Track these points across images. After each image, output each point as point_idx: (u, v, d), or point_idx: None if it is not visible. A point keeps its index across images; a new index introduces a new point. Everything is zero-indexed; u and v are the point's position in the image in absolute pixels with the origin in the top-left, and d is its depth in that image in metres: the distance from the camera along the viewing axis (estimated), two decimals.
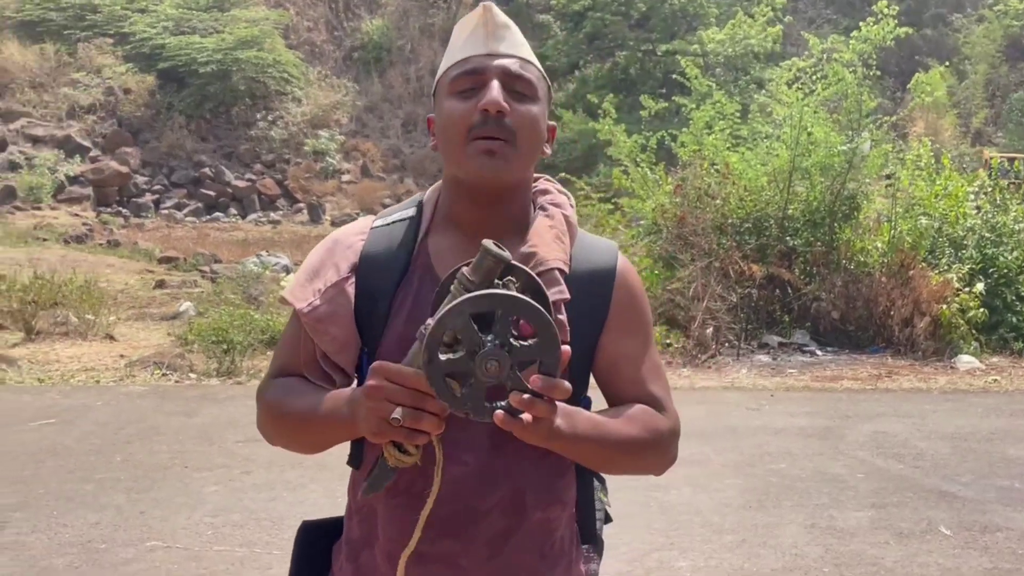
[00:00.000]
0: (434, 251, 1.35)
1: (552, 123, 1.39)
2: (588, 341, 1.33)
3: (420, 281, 1.32)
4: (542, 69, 1.35)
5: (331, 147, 28.18)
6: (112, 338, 8.86)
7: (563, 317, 1.27)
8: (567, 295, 1.28)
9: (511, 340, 1.06)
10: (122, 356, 7.74)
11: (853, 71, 9.41)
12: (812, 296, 9.12)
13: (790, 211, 9.38)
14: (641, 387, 1.39)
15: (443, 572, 1.28)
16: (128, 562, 3.44)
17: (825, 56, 10.21)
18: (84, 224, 24.31)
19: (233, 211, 26.59)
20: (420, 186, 28.78)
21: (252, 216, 26.60)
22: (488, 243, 1.11)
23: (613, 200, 11.08)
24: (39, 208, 25.10)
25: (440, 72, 1.35)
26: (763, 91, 15.70)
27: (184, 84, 28.33)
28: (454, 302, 1.07)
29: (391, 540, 1.28)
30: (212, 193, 26.61)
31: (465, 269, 1.13)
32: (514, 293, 1.07)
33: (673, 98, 12.18)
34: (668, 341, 8.67)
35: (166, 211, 26.47)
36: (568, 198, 1.45)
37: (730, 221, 9.44)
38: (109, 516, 3.85)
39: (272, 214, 26.67)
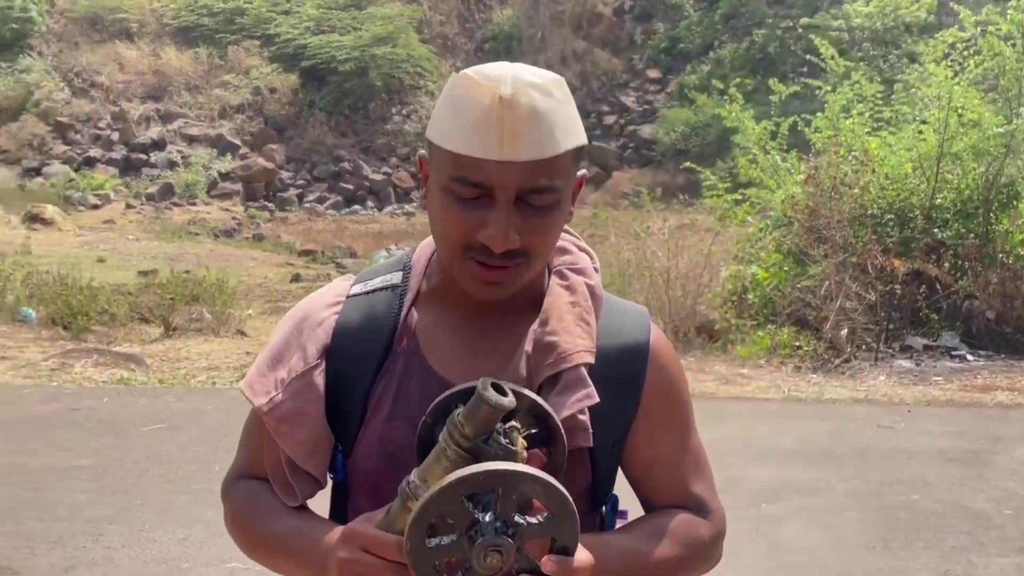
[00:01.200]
0: (422, 330, 1.11)
1: (582, 173, 1.10)
2: (616, 434, 1.11)
3: (404, 369, 1.09)
4: (578, 139, 1.04)
5: None
6: (243, 334, 9.17)
7: (585, 418, 1.04)
8: (595, 398, 1.04)
9: (516, 517, 0.87)
10: (248, 353, 7.96)
11: (1012, 44, 8.48)
12: (963, 294, 8.34)
13: (938, 200, 8.60)
14: (681, 490, 1.18)
15: None
16: None
17: (980, 30, 9.27)
18: (233, 218, 25.69)
19: (370, 204, 27.40)
20: None
21: (388, 208, 27.31)
22: (486, 386, 0.89)
23: (741, 191, 10.49)
24: (194, 204, 26.70)
25: (436, 134, 1.02)
26: (915, 66, 14.54)
27: (324, 82, 29.33)
28: (443, 483, 0.86)
29: None
30: (351, 187, 27.49)
31: (458, 413, 0.91)
32: (520, 468, 0.86)
33: (805, 81, 11.42)
34: (797, 344, 8.11)
35: (308, 205, 27.59)
36: (591, 258, 1.18)
37: (870, 212, 8.76)
38: (197, 532, 3.88)
39: (407, 206, 27.29)
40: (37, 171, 26.91)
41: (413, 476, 0.92)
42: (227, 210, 26.52)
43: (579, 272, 1.13)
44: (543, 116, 0.98)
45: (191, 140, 29.37)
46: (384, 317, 1.11)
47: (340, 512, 1.15)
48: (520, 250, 1.00)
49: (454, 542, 0.87)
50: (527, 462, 0.91)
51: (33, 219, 20.72)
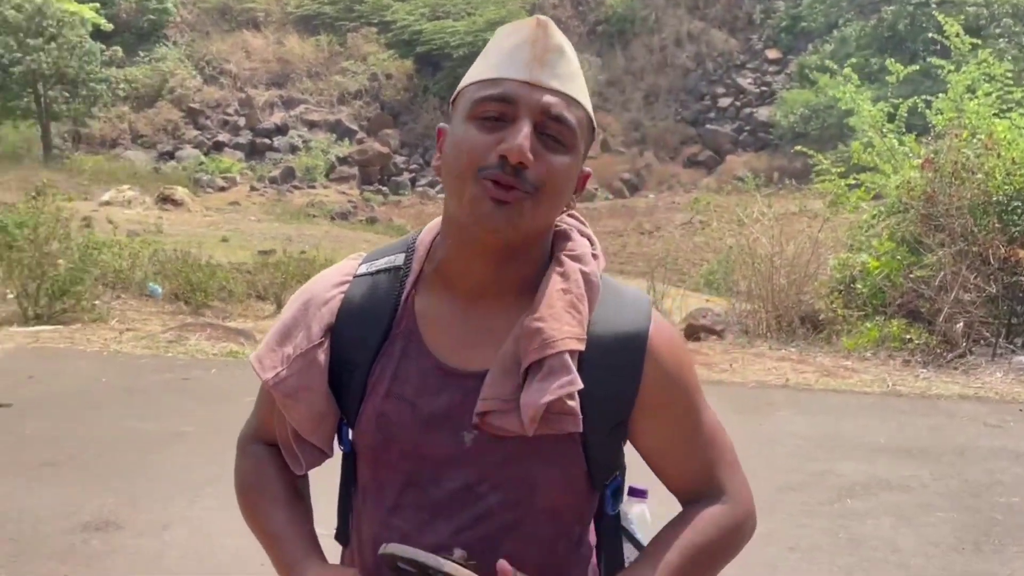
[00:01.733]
0: (421, 313, 1.14)
1: (586, 170, 1.14)
2: (613, 421, 1.12)
3: (403, 351, 1.12)
4: (590, 110, 1.10)
5: None
6: None
7: (574, 404, 1.05)
8: (578, 385, 1.05)
9: None
10: None
11: None
12: None
13: None
14: (696, 474, 1.18)
15: None
16: None
17: None
18: (349, 201, 26.57)
19: None
20: (660, 159, 28.24)
21: None
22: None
23: (854, 176, 10.05)
24: (313, 187, 27.74)
25: (465, 81, 1.10)
26: None
27: (439, 67, 29.81)
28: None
29: None
30: None
31: None
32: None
33: (929, 60, 10.82)
34: (908, 336, 7.74)
35: (420, 188, 28.17)
36: (591, 243, 1.18)
37: (994, 199, 8.23)
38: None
39: None
40: (171, 155, 28.55)
41: None
42: (344, 193, 27.43)
43: (576, 259, 1.13)
44: (569, 58, 1.08)
45: (311, 125, 30.47)
46: (385, 299, 1.14)
47: (348, 479, 1.22)
48: (530, 176, 1.02)
49: None
50: None
51: (165, 200, 22.01)
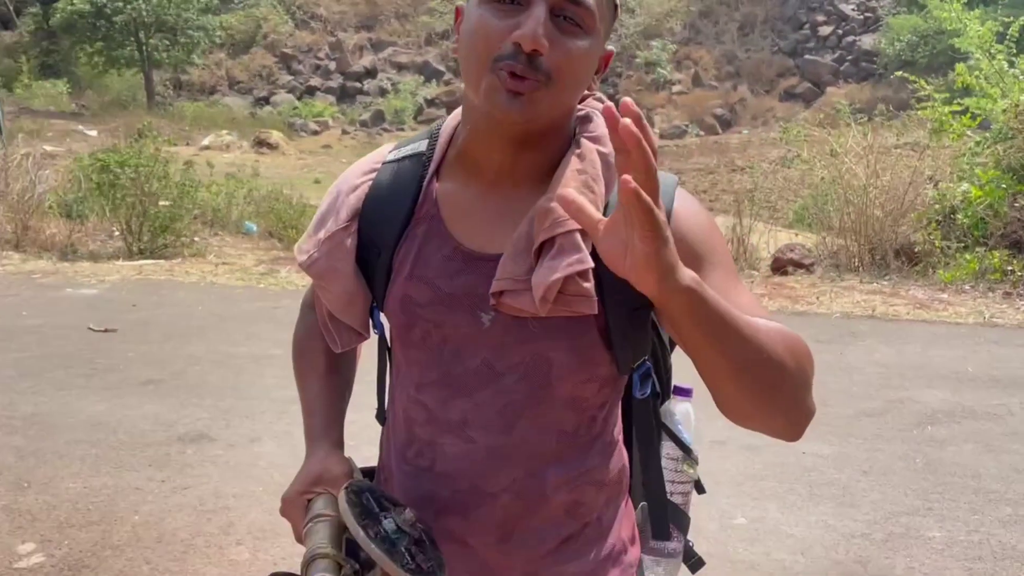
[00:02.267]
0: (443, 197, 1.15)
1: (609, 49, 1.10)
2: (635, 304, 1.07)
3: (425, 234, 1.14)
4: None
5: (663, 57, 27.64)
6: None
7: (589, 285, 1.03)
8: (588, 264, 1.02)
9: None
10: None
11: None
12: None
13: None
14: None
15: (450, 549, 1.15)
16: (367, 459, 3.76)
17: None
18: None
19: None
20: (755, 93, 27.26)
21: None
22: (342, 507, 1.05)
23: (959, 101, 9.50)
24: (402, 129, 28.00)
25: None
26: None
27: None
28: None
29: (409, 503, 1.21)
30: None
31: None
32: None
33: None
34: (1010, 268, 7.38)
35: None
36: None
37: None
38: (365, 416, 4.23)
39: None
40: (266, 100, 29.23)
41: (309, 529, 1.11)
42: None
43: (595, 140, 1.11)
44: None
45: (400, 67, 30.62)
46: (408, 183, 1.16)
47: (383, 361, 1.27)
48: (544, 64, 1.00)
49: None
50: None
51: (261, 144, 22.65)
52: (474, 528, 1.12)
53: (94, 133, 21.39)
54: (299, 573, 1.05)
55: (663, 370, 1.26)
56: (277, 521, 3.32)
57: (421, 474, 1.14)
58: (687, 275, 0.87)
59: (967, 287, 7.41)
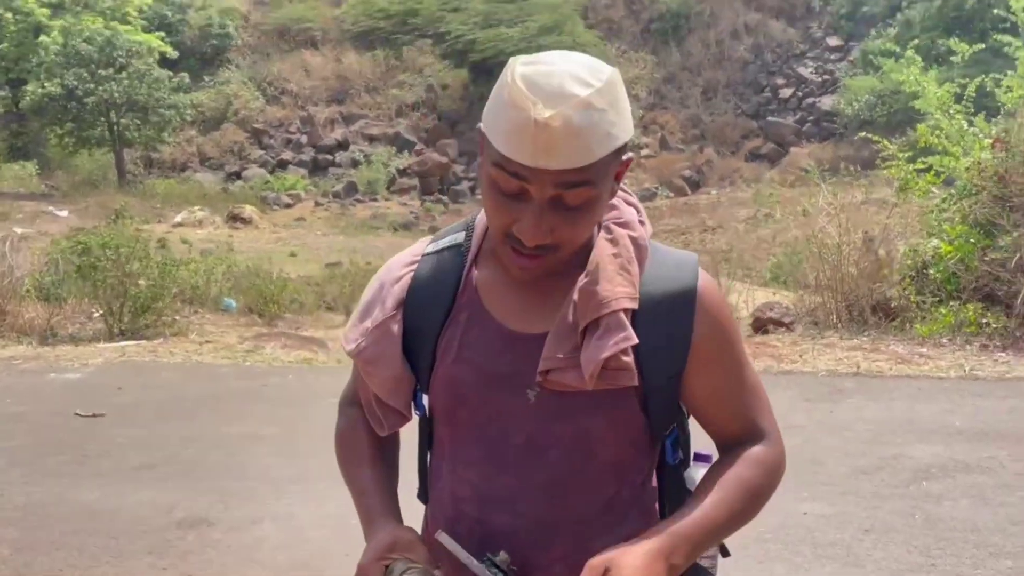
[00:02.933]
0: (482, 284, 1.24)
1: (628, 155, 1.16)
2: (670, 372, 1.19)
3: (469, 319, 1.23)
4: (620, 137, 1.08)
5: None
6: None
7: (629, 359, 1.14)
8: (633, 340, 1.13)
9: None
10: None
11: None
12: None
13: None
14: (740, 420, 1.26)
15: None
16: None
17: None
18: (411, 212, 26.94)
19: None
20: (721, 155, 27.92)
21: None
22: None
23: (922, 160, 9.82)
24: (375, 199, 28.23)
25: (487, 121, 1.10)
26: None
27: (493, 75, 29.64)
28: None
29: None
30: None
31: None
32: None
33: (994, 37, 10.53)
34: (985, 320, 7.56)
35: (480, 196, 28.34)
36: (637, 211, 1.27)
37: None
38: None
39: None
40: (238, 175, 29.39)
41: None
42: (405, 204, 27.83)
43: (623, 225, 1.21)
44: (578, 132, 1.03)
45: (371, 139, 31.00)
46: (450, 273, 1.25)
47: (425, 441, 1.32)
48: (551, 244, 1.11)
49: None
50: None
51: (235, 219, 22.70)
52: None
53: (65, 213, 21.32)
54: None
55: (684, 439, 1.34)
56: None
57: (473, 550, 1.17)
58: (679, 564, 1.12)
59: (945, 340, 7.56)
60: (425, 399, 1.28)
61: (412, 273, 1.27)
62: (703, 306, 1.19)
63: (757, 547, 3.57)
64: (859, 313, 8.59)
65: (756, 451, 1.23)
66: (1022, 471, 4.20)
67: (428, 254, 1.29)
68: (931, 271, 8.46)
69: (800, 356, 7.25)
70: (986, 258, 7.98)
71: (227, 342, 8.10)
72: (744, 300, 9.91)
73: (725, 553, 1.45)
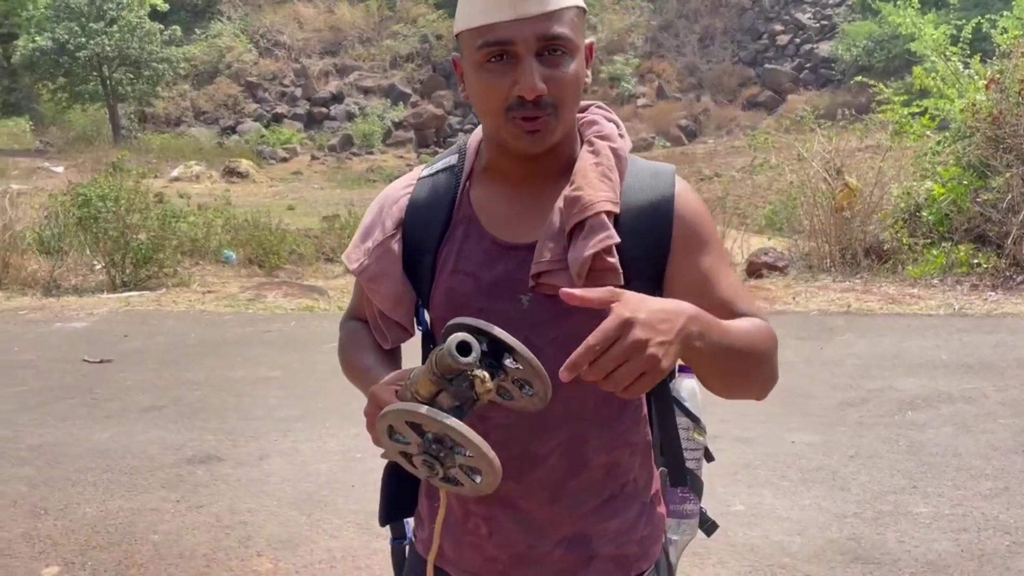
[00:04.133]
0: (476, 201, 1.32)
1: (589, 41, 1.26)
2: (652, 272, 1.27)
3: (464, 234, 1.31)
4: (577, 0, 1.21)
5: (626, 71, 28.04)
6: None
7: (614, 260, 1.22)
8: (615, 239, 1.21)
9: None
10: None
11: None
12: None
13: None
14: (726, 311, 1.29)
15: (504, 512, 1.30)
16: (374, 470, 3.88)
17: None
18: (407, 165, 26.82)
19: None
20: (718, 103, 27.75)
21: None
22: (451, 345, 1.05)
23: (918, 103, 9.84)
24: (371, 153, 28.11)
25: (461, 22, 1.22)
26: None
27: None
28: (388, 408, 1.06)
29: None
30: None
31: (436, 350, 1.08)
32: (440, 420, 1.02)
33: None
34: (976, 261, 7.67)
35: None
36: (617, 126, 1.35)
37: None
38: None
39: None
40: (233, 129, 29.20)
41: (415, 372, 1.13)
42: (401, 157, 27.72)
43: (604, 138, 1.30)
44: None
45: (366, 91, 30.75)
46: (445, 192, 1.33)
47: (429, 352, 1.42)
48: (548, 99, 1.17)
49: (407, 444, 1.08)
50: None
51: (231, 173, 22.63)
52: (527, 491, 1.26)
53: (60, 169, 21.26)
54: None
55: None
56: (295, 532, 3.44)
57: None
58: (694, 332, 1.07)
59: (936, 281, 7.68)
60: (427, 315, 1.38)
61: (409, 195, 1.35)
62: (680, 211, 1.26)
63: (746, 473, 3.72)
64: (852, 256, 8.70)
65: (751, 319, 1.26)
66: (1005, 400, 4.33)
67: (424, 177, 1.37)
68: (924, 213, 8.54)
69: (793, 298, 7.37)
70: (978, 199, 8.06)
71: (229, 292, 8.20)
72: (739, 246, 9.99)
73: (709, 457, 1.55)
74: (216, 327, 6.73)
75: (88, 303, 7.70)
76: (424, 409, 1.02)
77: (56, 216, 9.66)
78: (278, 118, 29.53)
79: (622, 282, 1.23)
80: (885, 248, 8.60)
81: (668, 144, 25.96)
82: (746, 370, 1.21)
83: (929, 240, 8.35)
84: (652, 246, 1.27)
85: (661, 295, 1.31)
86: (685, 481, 1.44)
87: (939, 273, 7.82)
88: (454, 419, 1.02)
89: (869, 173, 9.09)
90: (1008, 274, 7.45)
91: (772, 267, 8.99)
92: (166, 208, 9.42)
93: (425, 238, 1.32)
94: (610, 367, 0.99)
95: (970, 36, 9.39)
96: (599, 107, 1.38)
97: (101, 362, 5.79)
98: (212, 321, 6.93)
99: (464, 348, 1.07)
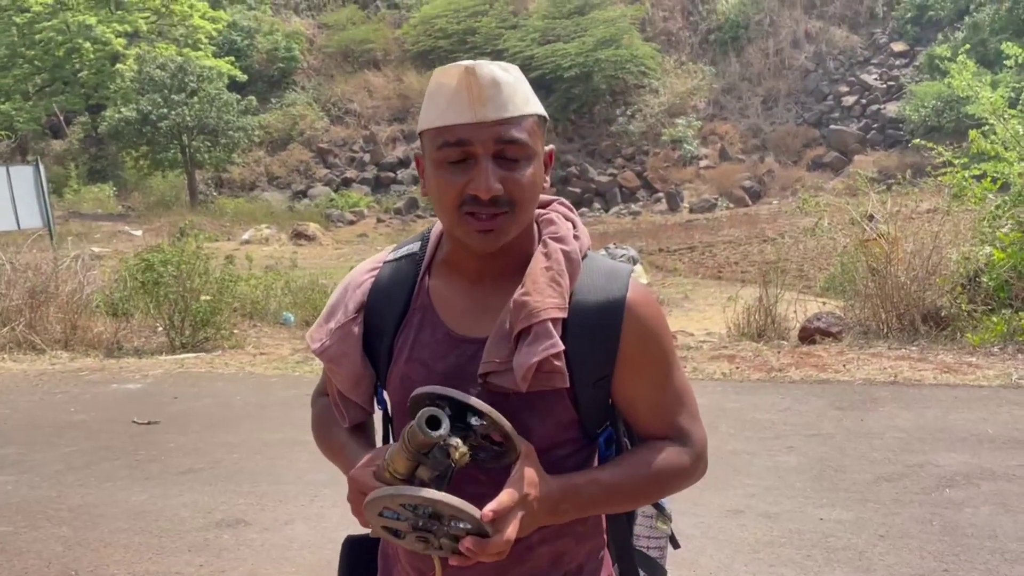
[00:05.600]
0: (434, 291, 1.37)
1: (549, 148, 1.32)
2: (599, 376, 1.31)
3: (420, 323, 1.36)
4: (538, 109, 1.27)
5: (688, 133, 28.13)
6: None
7: (560, 363, 1.25)
8: (559, 348, 1.25)
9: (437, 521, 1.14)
10: None
11: None
12: None
13: None
14: (663, 422, 1.36)
15: None
16: None
17: None
18: None
19: (597, 205, 27.76)
20: (782, 164, 27.52)
21: (614, 209, 27.51)
22: (421, 420, 1.14)
23: (977, 166, 9.61)
24: (435, 215, 28.65)
25: (424, 122, 1.28)
26: None
27: (551, 90, 30.18)
28: (371, 496, 1.17)
29: (410, 562, 1.38)
30: (578, 190, 27.97)
31: (408, 428, 1.17)
32: (421, 495, 1.12)
33: None
34: None
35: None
36: (574, 226, 1.39)
37: None
38: None
39: (632, 206, 27.37)
40: (304, 193, 30.19)
41: (389, 451, 1.20)
42: None
43: (558, 240, 1.34)
44: (503, 84, 1.22)
45: None
46: (405, 280, 1.40)
47: (386, 435, 1.47)
48: (504, 199, 1.23)
49: (398, 521, 1.16)
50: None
51: (299, 236, 23.32)
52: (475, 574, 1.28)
53: (139, 233, 22.23)
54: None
55: (618, 436, 1.45)
56: None
57: None
58: (545, 512, 1.21)
59: (996, 349, 7.39)
60: (386, 394, 1.43)
61: (373, 279, 1.42)
62: (631, 315, 1.29)
63: (769, 551, 3.61)
64: (910, 322, 8.45)
65: (668, 444, 1.33)
66: None
67: (388, 262, 1.44)
68: (983, 279, 8.28)
69: (844, 366, 7.17)
70: None
71: (280, 354, 8.40)
72: (794, 310, 9.80)
73: (675, 545, 1.55)
74: (262, 390, 6.89)
75: (146, 364, 7.98)
76: (415, 491, 1.12)
77: (125, 280, 10.08)
78: (347, 182, 30.42)
79: (567, 384, 1.27)
80: (943, 315, 8.33)
81: (731, 205, 25.80)
82: (633, 502, 1.35)
83: (989, 307, 8.08)
84: (599, 350, 1.30)
85: (605, 398, 1.34)
86: (637, 568, 1.45)
87: (999, 341, 7.53)
88: (444, 494, 1.11)
89: (927, 238, 8.88)
90: None
91: (825, 333, 8.78)
92: (225, 272, 9.74)
93: (384, 323, 1.38)
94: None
95: None
96: (561, 203, 1.43)
97: (149, 423, 5.98)
98: (259, 383, 7.11)
99: (433, 423, 1.14)
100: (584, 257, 1.36)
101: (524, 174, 1.24)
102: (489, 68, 1.22)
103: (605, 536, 1.43)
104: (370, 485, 1.22)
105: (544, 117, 1.31)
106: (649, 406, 1.34)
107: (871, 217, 8.56)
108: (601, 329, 1.29)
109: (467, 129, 1.21)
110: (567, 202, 1.47)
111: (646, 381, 1.32)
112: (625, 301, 1.30)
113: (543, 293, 1.27)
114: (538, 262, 1.31)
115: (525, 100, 1.25)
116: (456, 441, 1.16)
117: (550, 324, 1.25)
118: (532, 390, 1.26)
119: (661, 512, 1.52)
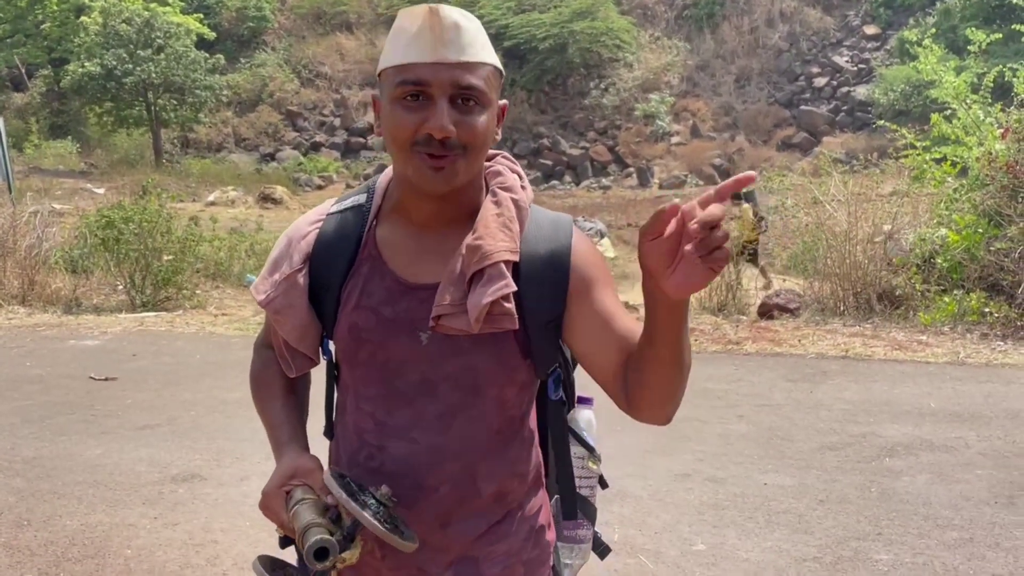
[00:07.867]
0: (382, 240, 1.39)
1: (502, 102, 1.35)
2: (549, 318, 1.34)
3: (369, 271, 1.38)
4: (495, 62, 1.30)
5: (661, 110, 28.17)
6: None
7: (511, 305, 1.28)
8: (512, 288, 1.28)
9: None
10: None
11: None
12: None
13: None
14: (622, 348, 1.33)
15: None
16: None
17: None
18: None
19: (568, 179, 27.76)
20: (753, 143, 27.73)
21: (585, 183, 27.51)
22: (309, 555, 1.18)
23: (937, 149, 9.80)
24: None
25: (383, 62, 1.30)
26: None
27: (525, 60, 29.99)
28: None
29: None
30: (549, 162, 27.91)
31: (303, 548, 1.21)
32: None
33: (1014, 26, 10.39)
34: (987, 310, 7.58)
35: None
36: (520, 177, 1.43)
37: None
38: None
39: (603, 180, 27.40)
40: (272, 156, 29.81)
41: (295, 510, 1.26)
42: None
43: (507, 189, 1.38)
44: (464, 29, 1.24)
45: None
46: (352, 230, 1.41)
47: (331, 383, 1.50)
48: (456, 141, 1.25)
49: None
50: None
51: (265, 199, 23.06)
52: (418, 517, 1.33)
53: (102, 191, 21.85)
54: (293, 549, 1.25)
55: (568, 384, 1.50)
56: (262, 551, 3.50)
57: (371, 475, 1.34)
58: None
59: (946, 329, 7.59)
60: (331, 344, 1.46)
61: (317, 231, 1.43)
62: (577, 260, 1.34)
63: (713, 513, 3.73)
64: (866, 301, 8.63)
65: None
66: (985, 451, 4.29)
67: (332, 213, 1.45)
68: (938, 260, 8.47)
69: (799, 341, 7.33)
70: (992, 248, 7.98)
71: (242, 315, 8.37)
72: (755, 285, 9.97)
73: (604, 485, 1.60)
74: (222, 349, 6.88)
75: (104, 322, 7.91)
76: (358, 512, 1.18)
77: (84, 237, 9.96)
78: (316, 147, 30.10)
79: (516, 326, 1.31)
80: (898, 294, 8.53)
81: (701, 183, 25.94)
82: (684, 370, 1.22)
83: (942, 287, 8.28)
84: (549, 294, 1.34)
85: (558, 339, 1.38)
86: (575, 515, 1.50)
87: (950, 321, 7.73)
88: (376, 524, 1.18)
89: (885, 218, 9.05)
90: (1019, 324, 7.35)
91: (783, 309, 8.95)
92: (187, 231, 9.65)
93: (331, 273, 1.40)
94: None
95: (991, 84, 9.34)
96: (505, 157, 1.47)
97: (106, 380, 5.96)
98: (219, 343, 7.09)
99: (322, 554, 1.19)
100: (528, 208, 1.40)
101: (478, 120, 1.26)
102: (452, 11, 1.26)
103: (544, 479, 1.49)
104: (277, 509, 1.31)
105: (500, 71, 1.34)
106: (603, 337, 1.32)
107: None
108: (550, 274, 1.33)
109: (426, 69, 1.23)
110: (510, 156, 1.51)
111: (599, 315, 1.33)
112: (571, 247, 1.35)
113: (495, 237, 1.31)
114: (488, 209, 1.35)
115: (484, 48, 1.28)
116: (346, 555, 1.21)
117: (503, 266, 1.29)
118: (482, 332, 1.29)
119: (592, 452, 1.57)
